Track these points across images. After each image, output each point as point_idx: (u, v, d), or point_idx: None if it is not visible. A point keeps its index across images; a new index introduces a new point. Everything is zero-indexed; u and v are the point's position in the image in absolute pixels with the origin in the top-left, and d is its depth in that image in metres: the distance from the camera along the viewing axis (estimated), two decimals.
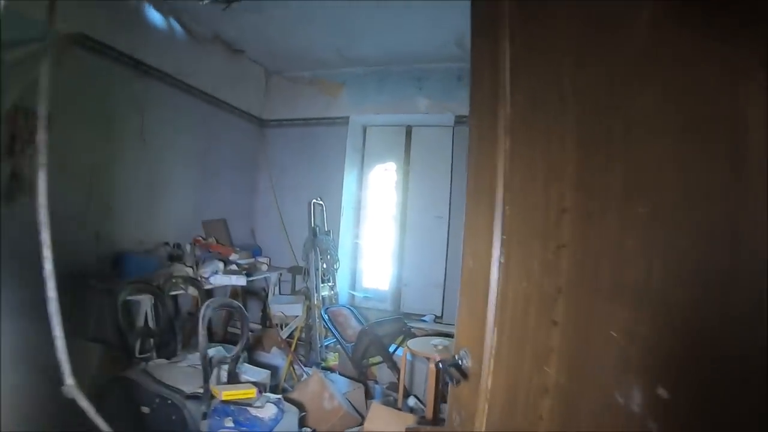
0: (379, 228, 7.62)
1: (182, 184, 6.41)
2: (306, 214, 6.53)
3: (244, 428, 3.20)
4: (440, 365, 1.61)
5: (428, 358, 4.51)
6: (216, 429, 3.20)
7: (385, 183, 7.55)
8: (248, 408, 3.37)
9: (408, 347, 4.52)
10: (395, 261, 7.34)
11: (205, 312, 3.47)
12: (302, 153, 7.51)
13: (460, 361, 1.68)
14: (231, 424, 3.21)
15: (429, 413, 4.34)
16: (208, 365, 3.46)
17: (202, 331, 3.41)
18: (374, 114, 7.19)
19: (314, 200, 6.62)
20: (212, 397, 3.47)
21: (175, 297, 5.45)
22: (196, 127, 6.51)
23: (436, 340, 4.51)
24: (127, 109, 5.40)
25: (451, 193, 6.75)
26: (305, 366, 5.90)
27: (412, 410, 4.98)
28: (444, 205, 6.83)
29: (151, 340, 4.55)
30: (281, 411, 3.50)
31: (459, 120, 6.56)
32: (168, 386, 3.59)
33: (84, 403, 2.25)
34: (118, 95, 5.25)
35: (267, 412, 3.41)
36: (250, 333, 6.40)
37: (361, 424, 4.32)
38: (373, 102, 7.12)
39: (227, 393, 3.38)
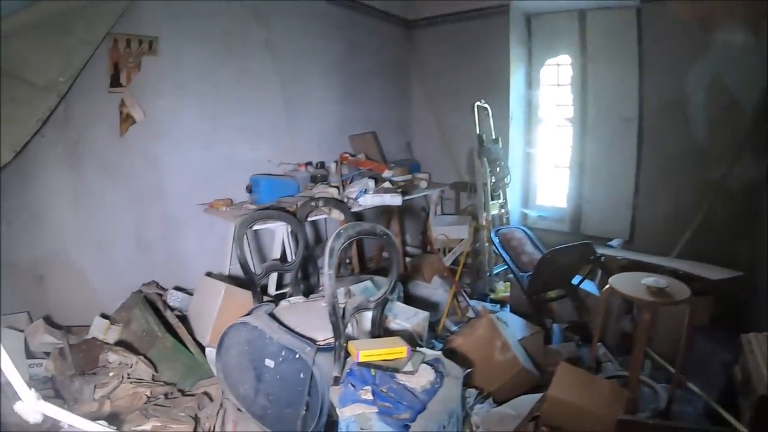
0: (554, 134, 6.57)
1: (323, 96, 5.94)
2: (468, 123, 5.65)
3: (387, 403, 2.31)
4: None
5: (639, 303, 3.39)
6: (348, 402, 2.35)
7: (559, 80, 6.43)
8: (395, 374, 2.49)
9: (612, 286, 3.37)
10: (574, 173, 6.27)
11: (333, 244, 2.57)
12: (457, 53, 6.66)
13: None
14: (369, 397, 2.34)
15: (632, 385, 3.27)
16: (338, 316, 2.59)
17: (328, 271, 2.52)
18: None
19: (478, 103, 5.66)
20: (347, 355, 2.64)
21: (317, 223, 4.83)
22: (333, 34, 5.97)
23: (650, 279, 3.31)
24: (248, 22, 5.02)
25: (640, 88, 5.48)
26: (471, 298, 5.08)
27: (600, 365, 3.93)
28: (632, 104, 5.57)
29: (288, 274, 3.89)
30: (440, 375, 2.58)
31: None
32: (296, 334, 2.84)
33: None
34: (233, 10, 4.88)
35: (420, 378, 2.49)
36: (407, 259, 5.69)
37: (541, 384, 3.37)
38: None
39: (366, 353, 2.50)
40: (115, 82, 4.15)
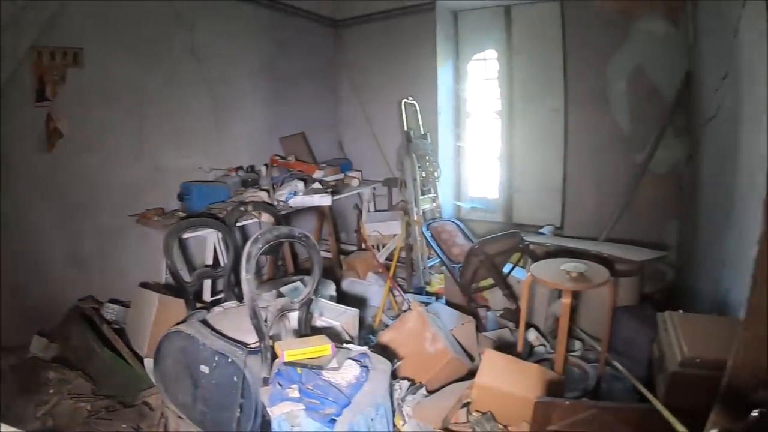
0: (483, 127, 6.73)
1: (252, 99, 5.94)
2: (397, 119, 5.76)
3: (313, 399, 2.44)
4: None
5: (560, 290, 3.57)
6: (277, 401, 2.46)
7: (486, 75, 6.61)
8: (320, 371, 2.61)
9: (533, 274, 3.54)
10: (504, 164, 6.45)
11: (250, 249, 2.67)
12: (386, 51, 6.73)
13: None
14: (296, 394, 2.46)
15: (559, 366, 3.44)
16: (260, 318, 2.69)
17: (245, 275, 2.62)
18: None
19: (405, 100, 5.78)
20: (275, 356, 2.75)
21: (247, 227, 4.91)
22: (261, 36, 5.96)
23: (569, 265, 3.48)
24: (172, 28, 4.97)
25: (565, 79, 5.71)
26: (406, 292, 5.20)
27: (532, 348, 4.15)
28: (558, 96, 5.79)
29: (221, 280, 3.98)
30: (365, 369, 2.71)
31: None
32: (228, 339, 2.93)
33: None
34: (157, 16, 4.81)
35: (346, 374, 2.62)
36: (342, 256, 5.81)
37: (472, 372, 3.50)
38: None
39: (291, 352, 2.61)
40: (40, 95, 4.09)
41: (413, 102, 5.87)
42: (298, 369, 2.60)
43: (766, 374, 0.81)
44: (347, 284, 5.11)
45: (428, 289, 5.35)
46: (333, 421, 2.39)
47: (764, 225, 0.81)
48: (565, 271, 3.42)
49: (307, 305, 3.07)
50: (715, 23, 3.97)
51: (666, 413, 2.25)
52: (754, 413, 0.72)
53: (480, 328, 4.33)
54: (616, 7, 5.08)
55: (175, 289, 3.92)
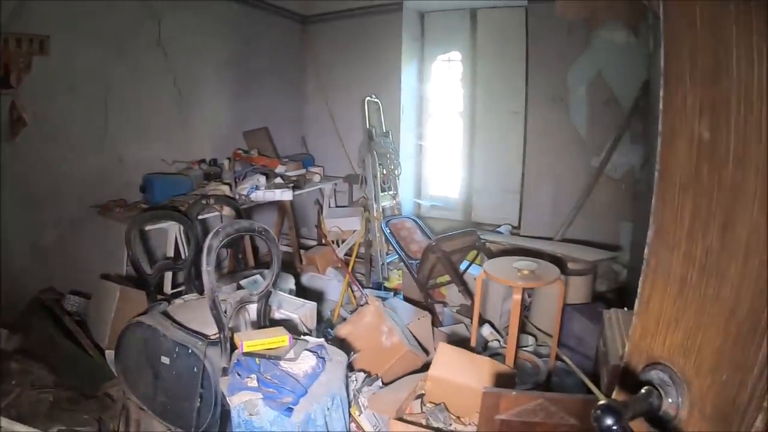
0: (445, 127, 6.88)
1: (216, 93, 5.94)
2: (360, 117, 5.88)
3: (270, 388, 2.54)
4: (601, 417, 0.79)
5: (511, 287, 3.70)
6: (236, 390, 2.56)
7: (450, 76, 6.75)
8: (278, 361, 2.72)
9: (486, 271, 3.70)
10: (465, 164, 6.61)
11: (211, 242, 2.75)
12: (351, 48, 6.82)
13: (651, 397, 0.90)
14: (254, 384, 2.56)
15: (510, 359, 3.60)
16: (219, 310, 2.79)
17: (206, 267, 2.71)
18: None
19: (368, 98, 5.88)
20: (234, 347, 2.85)
21: (208, 221, 4.96)
22: (227, 30, 5.96)
23: (521, 263, 3.64)
24: (140, 19, 4.94)
25: (527, 84, 5.88)
26: (365, 287, 5.33)
27: (486, 343, 4.30)
28: (519, 99, 5.97)
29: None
30: (322, 360, 2.82)
31: None
32: (189, 330, 3.01)
33: None
34: (125, 6, 4.77)
35: (303, 365, 2.73)
36: (302, 251, 5.89)
37: (426, 364, 3.64)
38: None
39: (250, 343, 2.71)
40: (5, 83, 4.03)
41: (376, 100, 5.98)
42: (257, 359, 2.71)
43: (650, 358, 0.96)
44: (307, 278, 5.21)
45: (386, 284, 5.46)
46: (290, 409, 2.49)
47: (652, 223, 0.96)
48: (516, 268, 3.57)
49: (266, 297, 3.17)
50: None
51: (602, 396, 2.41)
52: (643, 390, 0.88)
53: (436, 323, 4.45)
54: (578, 14, 5.24)
55: (136, 280, 3.97)
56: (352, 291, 5.15)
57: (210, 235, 2.78)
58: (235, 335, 2.83)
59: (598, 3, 5.17)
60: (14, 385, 3.39)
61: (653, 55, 4.74)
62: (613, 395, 1.03)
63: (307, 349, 2.87)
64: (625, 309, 3.32)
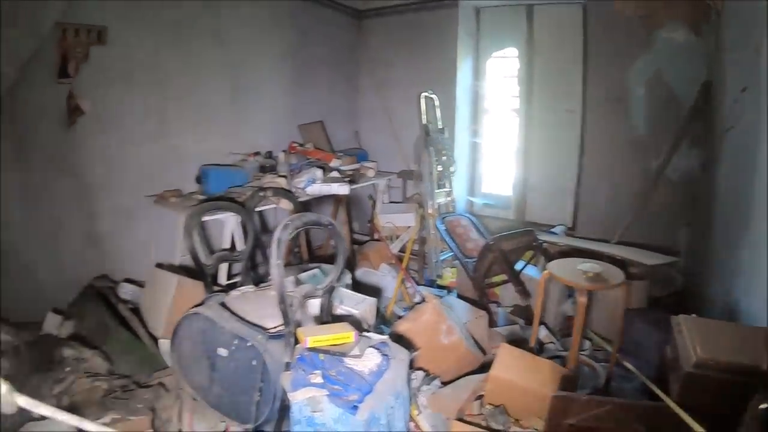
0: (500, 125, 6.70)
1: (272, 86, 5.92)
2: (415, 113, 5.69)
3: (336, 386, 2.45)
4: None
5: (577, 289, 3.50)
6: (299, 386, 2.47)
7: (506, 73, 6.57)
8: (343, 358, 2.62)
9: (551, 272, 3.53)
10: (519, 163, 6.41)
11: (280, 235, 2.68)
12: (407, 44, 6.71)
13: None
14: (319, 380, 2.47)
15: (572, 363, 3.42)
16: (287, 304, 2.71)
17: (275, 261, 2.63)
18: None
19: (424, 93, 5.71)
20: (297, 341, 2.75)
21: (265, 212, 4.90)
22: (283, 23, 5.95)
23: (585, 265, 3.48)
24: (197, 10, 4.94)
25: (584, 82, 5.68)
26: (419, 284, 5.21)
27: (542, 345, 4.12)
28: (576, 97, 5.77)
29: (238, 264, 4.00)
30: (386, 358, 2.72)
31: None
32: (248, 322, 2.95)
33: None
34: None
35: (368, 362, 2.63)
36: (355, 247, 5.80)
37: (484, 364, 3.52)
38: None
39: (315, 339, 2.62)
40: (62, 72, 4.06)
41: (433, 96, 5.84)
42: (321, 355, 2.60)
43: None
44: (361, 274, 5.12)
45: (439, 282, 5.33)
46: (355, 407, 2.39)
47: None
48: (581, 270, 3.41)
49: (329, 292, 3.09)
50: (737, 37, 3.97)
51: (680, 412, 2.36)
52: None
53: (491, 323, 4.31)
54: (637, 11, 5.06)
55: (190, 270, 3.94)
56: (406, 287, 5.05)
57: (279, 228, 2.69)
58: (299, 330, 2.74)
59: (657, 2, 4.98)
60: (68, 372, 3.35)
61: (714, 57, 4.56)
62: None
63: (371, 347, 2.76)
64: (694, 315, 3.15)
